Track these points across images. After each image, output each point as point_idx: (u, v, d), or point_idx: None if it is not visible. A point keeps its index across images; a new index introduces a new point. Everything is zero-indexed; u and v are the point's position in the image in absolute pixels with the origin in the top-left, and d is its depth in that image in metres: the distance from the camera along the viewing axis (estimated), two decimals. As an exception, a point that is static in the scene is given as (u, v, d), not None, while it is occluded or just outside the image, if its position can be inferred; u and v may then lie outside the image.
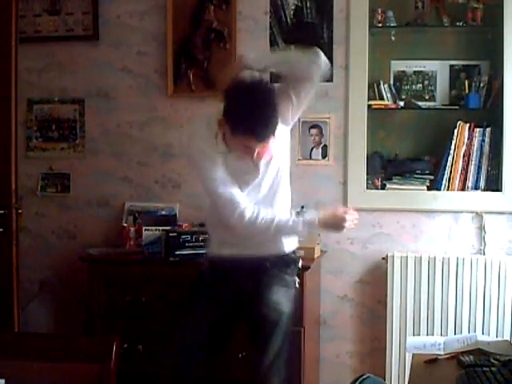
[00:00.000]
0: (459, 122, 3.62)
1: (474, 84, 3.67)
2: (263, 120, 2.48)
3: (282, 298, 2.69)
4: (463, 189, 3.64)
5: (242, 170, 2.63)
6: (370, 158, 3.74)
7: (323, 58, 2.68)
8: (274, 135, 2.53)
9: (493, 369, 2.00)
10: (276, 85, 2.76)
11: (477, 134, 3.62)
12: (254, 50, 3.51)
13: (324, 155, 3.78)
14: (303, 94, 2.69)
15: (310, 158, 3.74)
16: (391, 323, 3.60)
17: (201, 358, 2.74)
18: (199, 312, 2.75)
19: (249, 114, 2.47)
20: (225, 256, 2.74)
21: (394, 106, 3.75)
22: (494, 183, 3.62)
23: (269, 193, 2.71)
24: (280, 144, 2.70)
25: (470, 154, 3.62)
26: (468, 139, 3.62)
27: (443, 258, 3.57)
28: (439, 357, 2.29)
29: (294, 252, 2.81)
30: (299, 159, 3.75)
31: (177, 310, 2.88)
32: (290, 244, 2.78)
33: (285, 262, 2.76)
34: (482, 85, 3.65)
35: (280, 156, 2.73)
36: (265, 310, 2.66)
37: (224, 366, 3.23)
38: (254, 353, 2.70)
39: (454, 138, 3.62)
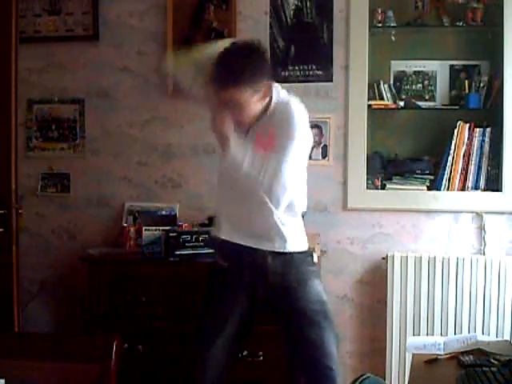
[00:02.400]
0: (459, 122, 3.62)
1: (474, 84, 3.67)
2: (220, 65, 2.52)
3: (319, 288, 2.72)
4: (463, 189, 3.64)
5: None
6: (369, 158, 3.74)
7: None
8: (239, 87, 2.49)
9: (493, 369, 2.00)
10: None
11: (477, 134, 3.62)
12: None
13: (324, 155, 3.78)
14: None
15: (310, 158, 3.72)
16: (391, 323, 3.60)
17: (225, 364, 2.73)
18: (224, 315, 2.72)
19: (215, 61, 2.54)
20: (244, 248, 2.68)
21: (393, 106, 3.75)
22: (494, 183, 3.62)
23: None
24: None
25: (470, 154, 3.62)
26: (468, 139, 3.62)
27: (443, 258, 3.57)
28: (439, 357, 2.29)
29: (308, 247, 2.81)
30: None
31: (201, 308, 2.85)
32: (298, 243, 2.75)
33: (307, 256, 2.76)
34: (482, 85, 3.65)
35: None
36: (311, 305, 2.66)
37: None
38: (313, 345, 2.67)
39: (454, 138, 3.62)
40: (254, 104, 2.56)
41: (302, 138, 2.61)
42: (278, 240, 2.67)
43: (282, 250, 2.68)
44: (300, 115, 2.60)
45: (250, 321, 2.75)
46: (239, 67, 2.50)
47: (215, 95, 2.55)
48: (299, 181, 2.72)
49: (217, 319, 2.71)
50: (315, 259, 2.91)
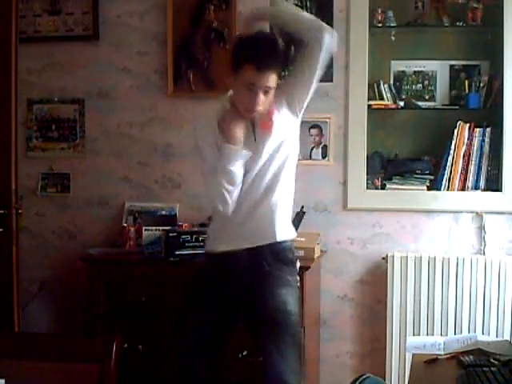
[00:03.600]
0: (459, 122, 3.62)
1: (474, 84, 3.67)
2: (262, 47, 2.54)
3: (288, 298, 2.65)
4: (463, 189, 3.64)
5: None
6: (369, 158, 3.74)
7: (329, 28, 2.67)
8: (273, 71, 2.52)
9: (493, 369, 2.00)
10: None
11: (477, 134, 3.62)
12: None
13: (324, 155, 3.78)
14: (306, 64, 2.66)
15: (310, 158, 3.74)
16: (391, 323, 3.60)
17: (205, 358, 2.72)
18: (202, 310, 2.73)
19: (248, 42, 2.57)
20: (221, 251, 2.70)
21: (394, 106, 3.75)
22: (494, 183, 3.62)
23: (272, 179, 2.67)
24: (288, 134, 2.68)
25: (470, 154, 3.62)
26: (468, 139, 3.62)
27: (443, 258, 3.57)
28: (439, 357, 2.29)
29: (292, 251, 2.75)
30: (299, 159, 3.72)
31: (180, 310, 2.86)
32: (283, 232, 2.72)
33: (282, 260, 2.70)
34: (482, 85, 3.65)
35: (287, 148, 2.69)
36: (272, 312, 2.62)
37: (224, 366, 3.23)
38: (267, 356, 2.63)
39: (454, 138, 3.62)
40: (273, 94, 2.58)
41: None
42: (270, 232, 2.67)
43: (272, 241, 2.67)
44: None
45: (229, 321, 2.76)
46: (279, 52, 2.64)
47: (248, 78, 2.52)
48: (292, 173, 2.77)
49: (198, 318, 2.72)
50: (297, 266, 2.82)
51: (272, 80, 2.53)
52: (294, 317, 2.65)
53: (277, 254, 2.69)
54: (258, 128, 2.64)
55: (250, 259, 2.68)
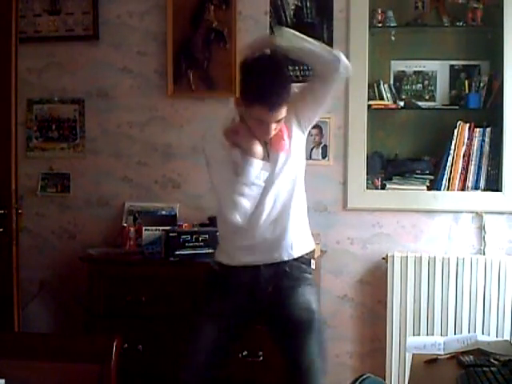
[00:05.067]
0: (459, 122, 3.62)
1: (474, 84, 3.67)
2: (272, 87, 2.46)
3: (310, 297, 2.69)
4: (463, 189, 3.64)
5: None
6: (369, 158, 3.74)
7: (344, 62, 2.61)
8: (284, 105, 2.49)
9: (493, 369, 1.99)
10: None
11: (477, 134, 3.62)
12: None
13: (324, 155, 3.78)
14: (319, 93, 2.64)
15: (310, 158, 3.73)
16: (391, 323, 3.60)
17: (213, 361, 2.72)
18: (213, 315, 2.72)
19: (258, 82, 2.48)
20: (240, 264, 2.71)
21: (394, 106, 3.75)
22: (494, 183, 3.62)
23: (288, 194, 2.68)
24: (297, 151, 2.69)
25: (470, 154, 3.62)
26: (468, 139, 3.62)
27: (443, 258, 3.57)
28: (439, 357, 2.28)
29: (307, 254, 2.79)
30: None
31: (190, 312, 2.85)
32: (301, 247, 2.76)
33: (301, 262, 2.75)
34: (482, 85, 3.65)
35: (297, 164, 2.71)
36: (297, 312, 2.63)
37: (224, 366, 3.23)
38: (293, 355, 2.64)
39: (454, 138, 3.62)
40: None
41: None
42: (286, 248, 2.70)
43: (286, 259, 2.71)
44: None
45: (241, 325, 2.76)
46: (288, 83, 2.54)
47: (259, 116, 2.50)
48: (301, 185, 2.77)
49: (208, 321, 2.70)
50: (313, 266, 2.86)
51: (283, 112, 2.52)
52: (318, 315, 2.68)
53: (296, 259, 2.74)
54: (270, 146, 2.63)
55: (270, 273, 2.70)
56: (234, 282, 2.73)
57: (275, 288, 2.69)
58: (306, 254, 2.79)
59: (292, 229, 2.71)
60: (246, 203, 2.59)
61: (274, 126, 2.53)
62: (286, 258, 2.71)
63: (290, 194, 2.68)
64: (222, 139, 2.62)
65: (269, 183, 2.63)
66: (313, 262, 2.87)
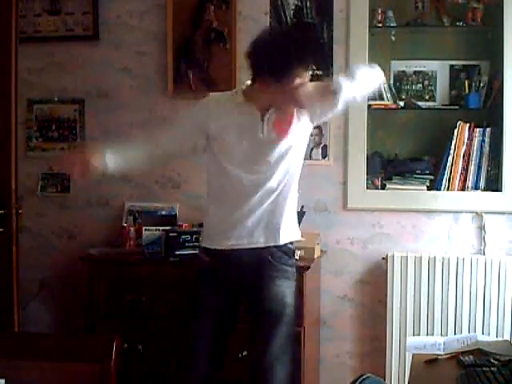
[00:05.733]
0: (459, 122, 3.62)
1: (473, 84, 3.67)
2: (279, 57, 2.43)
3: (285, 290, 2.67)
4: (463, 189, 3.64)
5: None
6: (370, 158, 3.74)
7: (342, 97, 2.54)
8: (295, 79, 2.47)
9: (493, 369, 1.99)
10: None
11: (477, 134, 3.62)
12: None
13: (324, 155, 3.78)
14: (322, 108, 2.66)
15: (310, 158, 3.73)
16: (391, 323, 3.60)
17: (209, 356, 2.72)
18: (206, 307, 2.72)
19: (264, 52, 2.48)
20: (223, 248, 2.70)
21: (394, 106, 3.75)
22: (494, 183, 3.62)
23: (279, 180, 2.66)
24: (301, 137, 2.68)
25: (470, 154, 3.62)
26: (468, 139, 3.62)
27: (443, 258, 3.57)
28: (439, 357, 2.28)
29: (291, 243, 2.77)
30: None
31: (183, 308, 2.85)
32: (287, 235, 2.73)
33: (284, 252, 2.72)
34: (482, 85, 3.65)
35: (298, 150, 2.70)
36: (268, 302, 2.64)
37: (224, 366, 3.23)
38: (258, 346, 2.66)
39: (454, 138, 3.62)
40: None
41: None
42: (273, 232, 2.68)
43: (271, 244, 2.68)
44: None
45: (231, 318, 2.76)
46: (295, 58, 2.48)
47: (284, 86, 2.48)
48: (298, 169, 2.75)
49: (201, 316, 2.71)
50: (297, 256, 2.85)
51: (306, 74, 2.51)
52: (290, 309, 2.67)
53: (280, 247, 2.71)
54: (271, 125, 2.61)
55: (255, 256, 2.69)
56: (221, 273, 2.71)
57: (255, 275, 2.67)
58: (290, 243, 2.75)
59: (282, 212, 2.68)
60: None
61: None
62: (270, 244, 2.68)
63: (282, 178, 2.65)
64: (236, 98, 2.62)
65: (258, 160, 2.62)
66: (297, 252, 2.85)
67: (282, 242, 2.70)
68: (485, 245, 3.63)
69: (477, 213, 3.65)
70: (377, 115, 3.75)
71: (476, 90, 3.66)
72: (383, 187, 3.74)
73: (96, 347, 1.83)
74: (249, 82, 2.65)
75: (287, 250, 2.74)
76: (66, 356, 1.81)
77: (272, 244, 2.69)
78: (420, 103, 3.76)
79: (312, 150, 3.76)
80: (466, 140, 3.62)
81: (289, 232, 2.74)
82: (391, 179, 3.74)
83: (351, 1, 3.68)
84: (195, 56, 3.85)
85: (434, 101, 3.78)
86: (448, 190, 3.65)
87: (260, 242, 2.68)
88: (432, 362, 2.25)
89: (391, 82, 3.79)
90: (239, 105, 2.63)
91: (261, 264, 2.68)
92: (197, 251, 3.35)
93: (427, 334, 3.51)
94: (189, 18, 3.84)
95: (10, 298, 3.24)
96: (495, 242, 3.63)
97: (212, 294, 2.73)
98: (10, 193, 3.20)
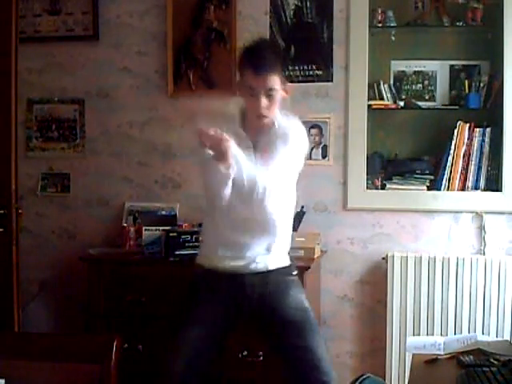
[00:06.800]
0: (459, 122, 3.62)
1: (474, 84, 3.67)
2: (260, 51, 2.56)
3: (299, 295, 2.69)
4: (463, 189, 3.64)
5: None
6: (370, 158, 3.74)
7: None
8: (273, 74, 2.52)
9: (493, 369, 1.99)
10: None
11: (477, 134, 3.62)
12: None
13: (324, 155, 3.78)
14: None
15: (310, 158, 3.73)
16: (391, 323, 3.60)
17: (204, 360, 2.71)
18: (201, 316, 2.71)
19: (248, 50, 2.59)
20: (222, 269, 2.67)
21: (394, 106, 3.75)
22: (494, 183, 3.62)
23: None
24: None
25: (470, 154, 3.62)
26: (468, 139, 3.62)
27: (443, 258, 3.57)
28: (439, 357, 2.28)
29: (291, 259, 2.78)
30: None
31: (177, 314, 2.84)
32: (283, 259, 2.73)
33: (288, 268, 2.73)
34: (482, 85, 3.65)
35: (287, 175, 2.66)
36: (292, 313, 2.63)
37: (224, 366, 3.23)
38: (299, 353, 2.62)
39: (454, 138, 3.62)
40: (278, 97, 2.57)
41: (298, 154, 2.64)
42: (267, 258, 2.67)
43: (266, 269, 2.67)
44: (302, 134, 2.65)
45: (224, 333, 2.73)
46: (278, 54, 2.65)
47: (249, 83, 2.54)
48: (291, 195, 2.72)
49: (195, 324, 2.68)
50: (294, 272, 2.81)
51: (272, 81, 2.52)
52: (311, 312, 2.69)
53: (283, 268, 2.72)
54: (258, 155, 2.57)
55: (255, 281, 2.66)
56: (218, 288, 2.68)
57: (261, 295, 2.66)
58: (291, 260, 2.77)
59: (279, 238, 2.67)
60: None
61: (264, 100, 2.51)
62: (271, 268, 2.67)
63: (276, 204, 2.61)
64: (236, 130, 2.61)
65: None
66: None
67: (281, 265, 2.70)
68: (485, 245, 3.63)
69: (477, 213, 3.65)
70: (377, 115, 3.75)
71: (476, 90, 3.66)
72: (383, 187, 3.74)
73: (96, 347, 1.82)
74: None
75: (290, 266, 2.74)
76: (66, 356, 1.81)
77: (272, 268, 2.68)
78: (420, 103, 3.76)
79: (312, 150, 3.76)
80: (465, 140, 3.62)
81: (283, 257, 2.73)
82: (391, 179, 3.74)
83: (351, 1, 3.68)
84: (195, 56, 3.85)
85: (434, 101, 3.78)
86: (448, 190, 3.65)
87: (259, 267, 2.66)
88: (432, 361, 2.25)
89: (391, 82, 3.80)
90: (236, 134, 2.58)
91: (264, 285, 2.67)
92: (196, 251, 3.36)
93: (427, 334, 3.51)
94: (189, 18, 3.84)
95: (10, 298, 3.24)
96: (495, 242, 3.63)
97: (203, 309, 2.70)
98: (10, 193, 3.20)
